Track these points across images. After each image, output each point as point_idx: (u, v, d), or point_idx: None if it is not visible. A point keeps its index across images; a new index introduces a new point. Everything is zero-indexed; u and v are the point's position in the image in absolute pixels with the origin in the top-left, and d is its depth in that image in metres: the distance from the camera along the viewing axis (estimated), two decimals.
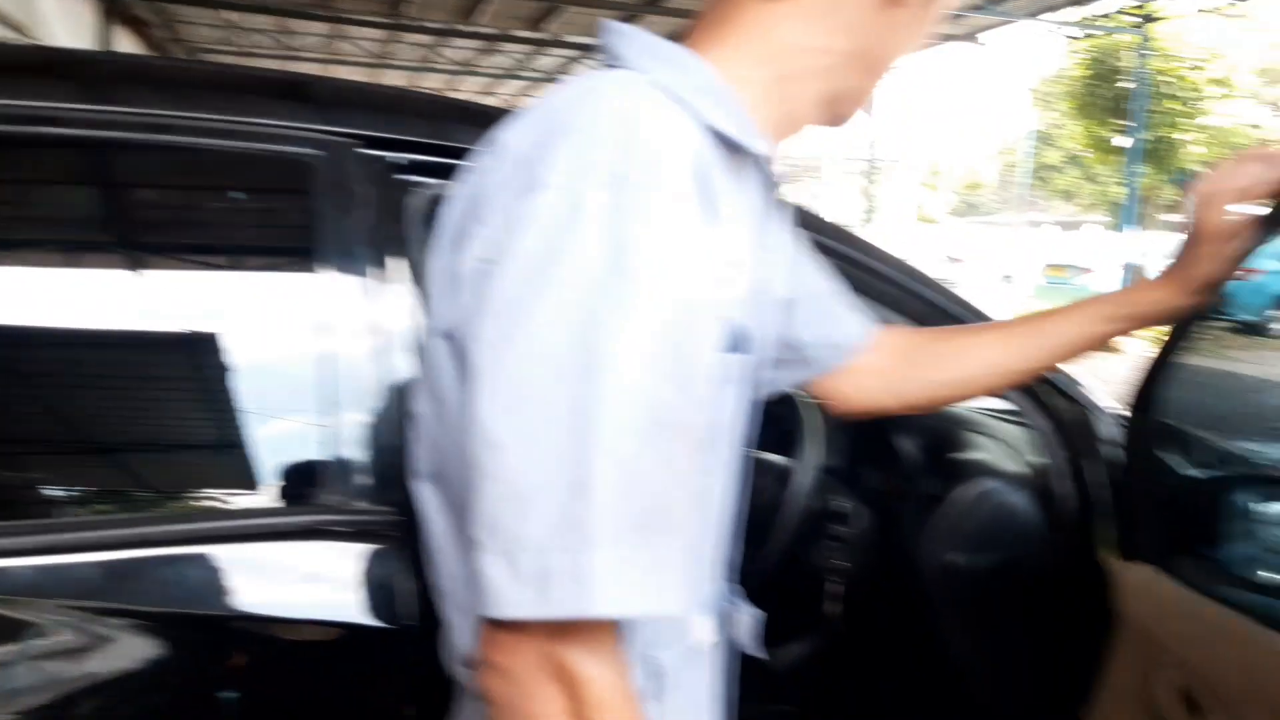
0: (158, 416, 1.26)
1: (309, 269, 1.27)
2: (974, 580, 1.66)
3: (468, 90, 24.96)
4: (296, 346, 1.27)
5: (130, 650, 1.10)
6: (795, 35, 0.78)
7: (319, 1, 14.87)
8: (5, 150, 1.22)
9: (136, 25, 16.48)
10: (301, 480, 1.23)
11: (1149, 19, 13.08)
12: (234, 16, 17.29)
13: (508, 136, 0.72)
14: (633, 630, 0.74)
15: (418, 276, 1.28)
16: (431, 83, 23.69)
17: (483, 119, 1.46)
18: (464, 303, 0.69)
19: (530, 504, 0.61)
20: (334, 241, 1.26)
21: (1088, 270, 15.65)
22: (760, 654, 0.95)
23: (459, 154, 1.34)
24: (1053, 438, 1.59)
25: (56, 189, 1.28)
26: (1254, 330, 12.60)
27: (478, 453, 0.64)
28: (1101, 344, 1.11)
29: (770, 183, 0.85)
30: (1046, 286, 16.62)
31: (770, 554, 1.81)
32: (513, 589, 0.61)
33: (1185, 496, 1.53)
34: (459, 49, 20.07)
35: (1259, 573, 1.48)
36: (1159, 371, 1.36)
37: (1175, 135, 12.22)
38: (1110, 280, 13.56)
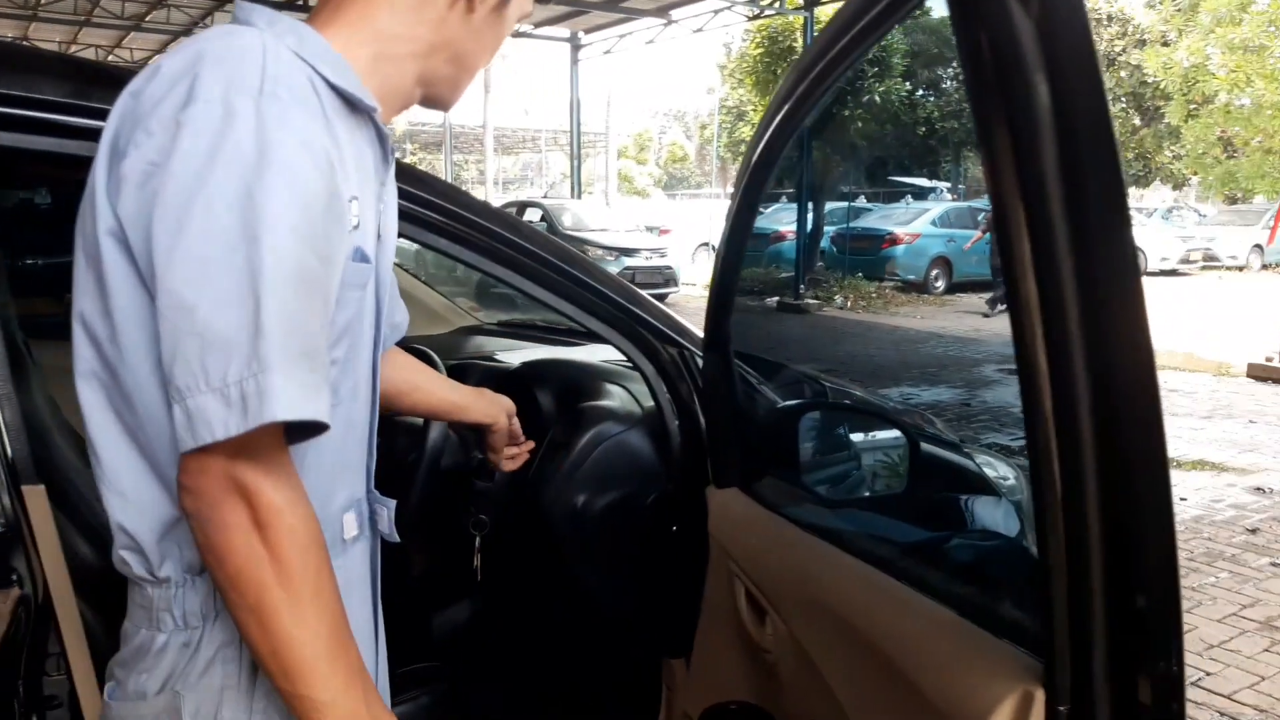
0: None
1: None
2: (598, 519, 1.74)
3: (138, 46, 22.74)
4: None
5: None
6: (389, 23, 0.97)
7: None
8: None
9: None
10: None
11: (815, 2, 14.22)
12: None
13: (163, 66, 0.86)
14: None
15: None
16: (94, 38, 21.35)
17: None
18: (131, 200, 0.83)
19: (226, 349, 0.78)
20: None
21: (781, 237, 16.75)
22: (394, 539, 1.11)
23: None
24: (658, 381, 1.69)
25: None
26: (919, 290, 14.17)
27: (175, 319, 0.78)
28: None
29: (384, 143, 1.01)
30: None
31: (413, 509, 1.81)
32: (222, 414, 0.77)
33: (765, 426, 1.69)
34: (122, 2, 18.19)
35: (827, 491, 1.68)
36: (723, 312, 1.49)
37: (841, 112, 13.43)
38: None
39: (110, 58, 23.29)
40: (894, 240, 14.58)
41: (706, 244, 19.73)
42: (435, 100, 1.06)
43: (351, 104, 0.93)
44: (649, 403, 1.87)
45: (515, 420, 1.51)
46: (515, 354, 2.43)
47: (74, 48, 22.49)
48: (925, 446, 1.73)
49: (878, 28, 1.01)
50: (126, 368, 0.87)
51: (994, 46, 0.73)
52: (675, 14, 17.28)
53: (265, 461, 0.81)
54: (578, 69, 19.20)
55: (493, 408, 1.50)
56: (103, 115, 1.23)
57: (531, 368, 2.13)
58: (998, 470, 2.28)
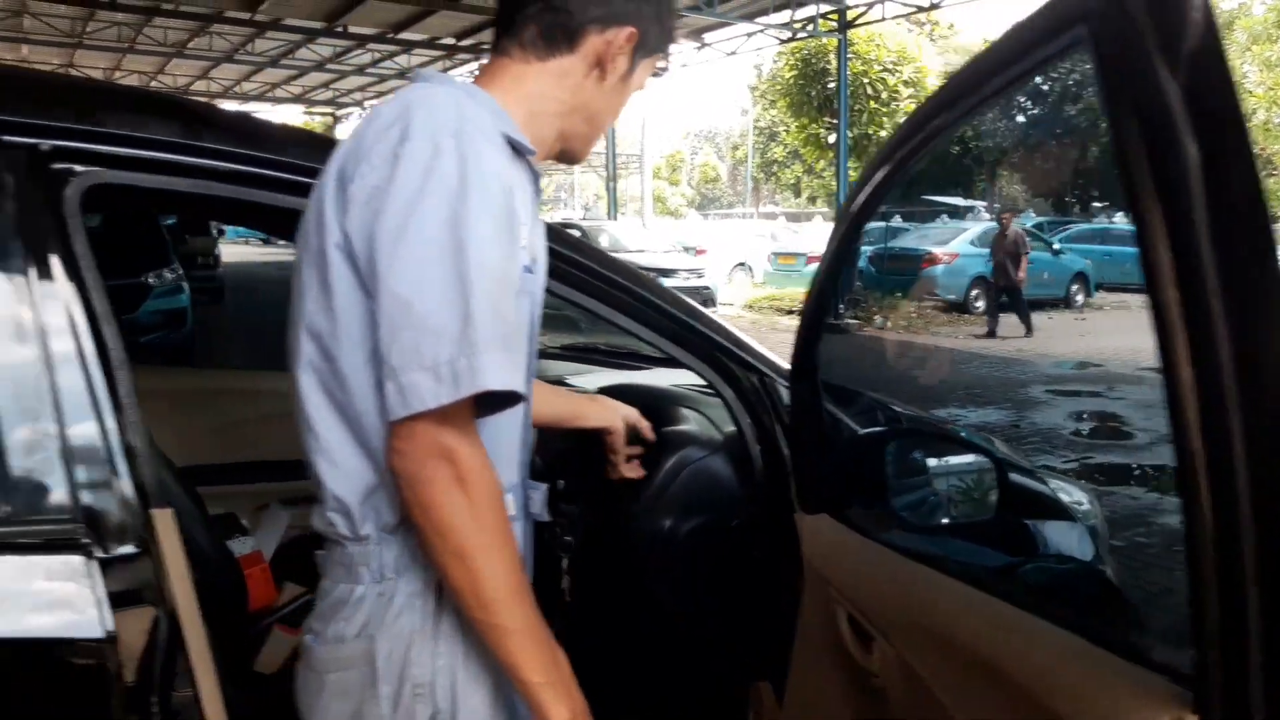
0: None
1: None
2: (683, 543, 1.76)
3: (180, 73, 23.19)
4: None
5: None
6: (537, 87, 1.17)
7: None
8: None
9: None
10: None
11: (848, 25, 14.25)
12: None
13: (380, 112, 1.08)
14: None
15: (73, 268, 1.20)
16: (136, 65, 21.81)
17: (140, 104, 1.39)
18: (356, 218, 1.02)
19: (439, 336, 0.96)
20: None
21: (817, 258, 16.57)
22: (545, 518, 1.28)
23: (118, 141, 1.28)
24: (739, 406, 1.71)
25: None
26: (959, 309, 14.06)
27: (395, 313, 0.97)
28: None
29: (536, 181, 1.19)
30: (775, 273, 17.53)
31: None
32: (434, 388, 0.95)
33: (854, 452, 1.70)
34: (165, 29, 18.57)
35: (917, 516, 1.69)
36: (813, 338, 1.51)
37: (878, 132, 13.41)
38: None
39: (153, 83, 23.79)
40: (933, 260, 14.50)
41: (743, 264, 19.70)
42: (570, 154, 1.26)
43: (514, 148, 1.11)
44: (726, 428, 1.89)
45: (642, 421, 1.63)
46: (584, 379, 2.46)
47: (117, 74, 23.01)
48: (1011, 471, 1.74)
49: (1018, 80, 1.04)
50: (343, 356, 1.05)
51: (1141, 108, 0.76)
52: (708, 37, 17.39)
53: (463, 430, 0.99)
54: None
55: (608, 413, 1.61)
56: (213, 155, 1.33)
57: (609, 393, 2.16)
58: (1072, 495, 2.28)
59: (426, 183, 0.99)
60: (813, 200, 33.37)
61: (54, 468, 1.15)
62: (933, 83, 14.14)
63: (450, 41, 18.18)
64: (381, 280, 0.99)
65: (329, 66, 22.28)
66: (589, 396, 1.63)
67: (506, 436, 1.17)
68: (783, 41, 17.57)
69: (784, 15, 16.49)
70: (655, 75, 1.28)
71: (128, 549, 1.17)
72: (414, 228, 0.98)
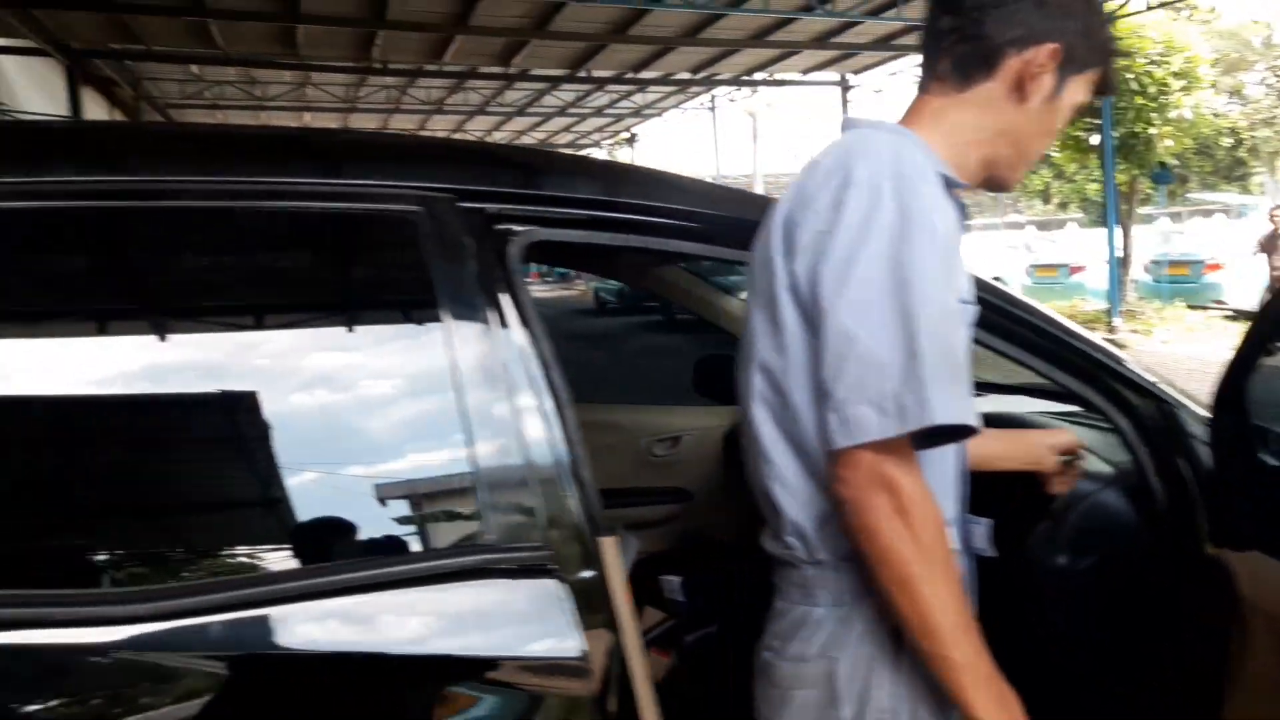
0: (309, 471, 1.26)
1: (426, 319, 1.29)
2: (1079, 580, 1.67)
3: (439, 128, 25.03)
4: (428, 394, 1.28)
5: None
6: (958, 118, 1.18)
7: (285, 50, 14.85)
8: (136, 221, 1.23)
9: (103, 85, 16.44)
10: (450, 524, 1.24)
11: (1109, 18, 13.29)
12: (199, 69, 17.29)
13: (820, 163, 1.13)
14: None
15: (524, 317, 1.30)
16: (402, 123, 23.77)
17: (567, 167, 1.49)
18: (803, 261, 1.08)
19: (884, 370, 0.99)
20: (446, 291, 1.28)
21: (1080, 268, 15.29)
22: (992, 553, 1.27)
23: (549, 201, 1.38)
24: (1136, 437, 1.61)
25: (186, 257, 1.29)
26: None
27: (840, 347, 1.02)
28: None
29: (963, 212, 1.19)
30: (1035, 287, 15.94)
31: None
32: (878, 421, 0.99)
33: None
34: (427, 88, 20.12)
35: None
36: (1244, 371, 1.40)
37: (1146, 130, 12.36)
38: (1100, 276, 13.52)
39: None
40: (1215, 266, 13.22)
41: (998, 278, 18.63)
42: (998, 180, 1.24)
43: (946, 183, 1.14)
44: (1103, 459, 1.79)
45: (1075, 442, 1.59)
46: None
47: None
48: None
49: None
50: (794, 390, 1.11)
51: None
52: None
53: (904, 461, 1.01)
54: (848, 111, 19.08)
55: (1033, 451, 1.57)
56: (630, 209, 1.42)
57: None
58: None
59: (869, 225, 1.04)
60: (1063, 206, 31.32)
61: (525, 500, 1.25)
62: (1205, 72, 12.89)
63: (685, 75, 18.58)
64: (826, 316, 1.03)
65: (570, 110, 23.33)
66: (1004, 436, 1.58)
67: (944, 469, 1.17)
68: None
69: None
70: (1104, 94, 1.26)
71: (586, 574, 1.25)
72: (858, 268, 1.02)
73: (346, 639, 1.18)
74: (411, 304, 1.33)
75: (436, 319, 1.28)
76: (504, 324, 1.29)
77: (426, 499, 1.30)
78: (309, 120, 22.68)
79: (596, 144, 29.58)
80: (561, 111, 23.48)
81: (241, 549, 1.22)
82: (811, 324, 1.08)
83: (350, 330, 1.34)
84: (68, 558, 1.15)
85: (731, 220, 1.44)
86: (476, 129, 25.88)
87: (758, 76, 18.83)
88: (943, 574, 1.01)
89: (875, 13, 13.36)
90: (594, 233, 1.43)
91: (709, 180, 1.81)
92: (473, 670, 1.20)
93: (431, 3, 12.29)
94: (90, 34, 13.41)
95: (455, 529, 1.28)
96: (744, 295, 2.71)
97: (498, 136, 27.50)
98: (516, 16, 13.15)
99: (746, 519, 1.35)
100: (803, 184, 1.14)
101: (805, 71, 18.41)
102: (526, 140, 28.62)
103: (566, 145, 30.52)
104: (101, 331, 1.25)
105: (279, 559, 1.23)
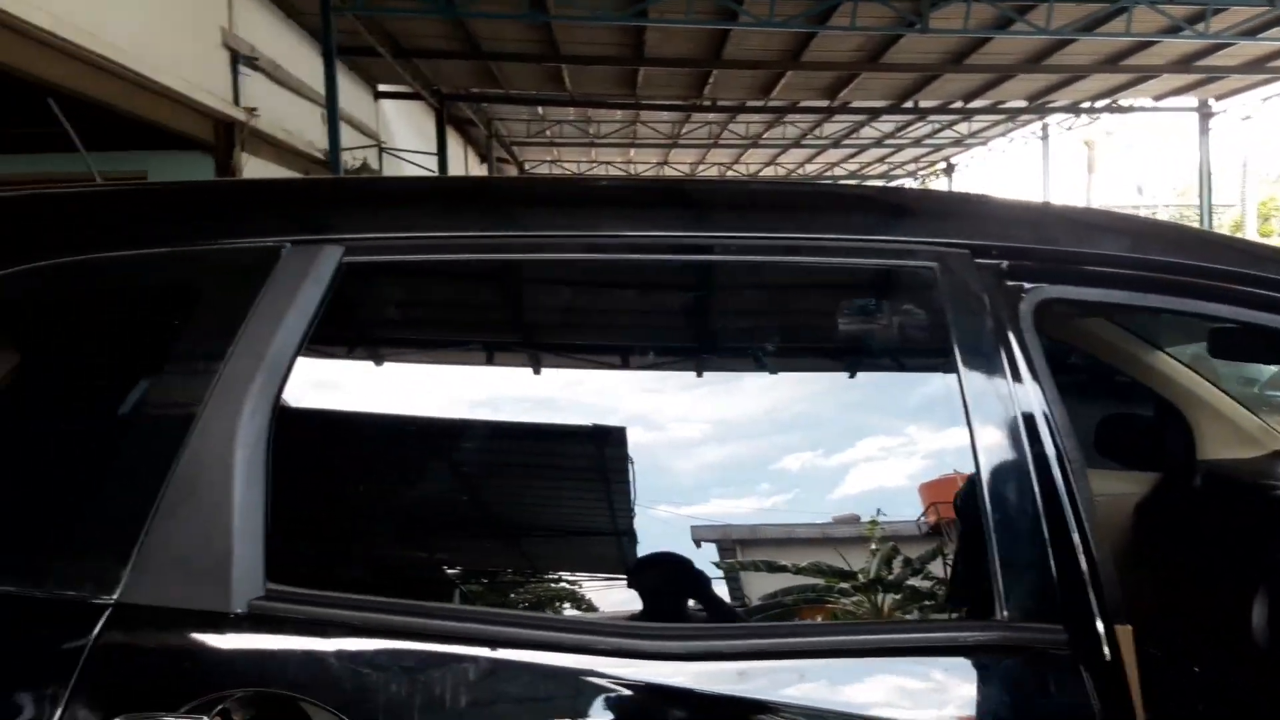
0: (816, 524, 1.31)
1: (940, 374, 1.29)
2: None
3: (754, 161, 25.48)
4: (941, 453, 1.28)
5: None
6: None
7: (623, 91, 15.76)
8: (682, 273, 1.35)
9: (462, 126, 18.28)
10: (965, 591, 1.23)
11: None
12: (544, 110, 18.76)
13: None
14: None
15: (1036, 375, 1.27)
16: (719, 157, 24.43)
17: (1089, 222, 1.45)
18: None
19: None
20: (965, 347, 1.28)
21: None
22: None
23: (1066, 259, 1.35)
24: None
25: (717, 306, 1.39)
26: None
27: None
28: None
29: None
30: None
31: None
32: None
33: None
34: (746, 122, 20.55)
35: None
36: None
37: None
38: None
39: (729, 172, 26.48)
40: None
41: None
42: None
43: None
44: None
45: None
46: None
47: (700, 167, 26.02)
48: None
49: None
50: None
51: None
52: None
53: None
54: (1208, 139, 17.28)
55: None
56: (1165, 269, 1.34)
57: None
58: None
59: None
60: None
61: (1040, 573, 1.20)
62: None
63: (1020, 104, 17.69)
64: None
65: (886, 142, 22.92)
66: None
67: None
68: None
69: None
70: None
71: (1101, 662, 1.18)
72: None
73: (856, 701, 1.19)
74: (926, 359, 1.35)
75: (952, 374, 1.29)
76: (1019, 381, 1.27)
77: (936, 560, 1.30)
78: (632, 155, 23.87)
79: (911, 174, 28.80)
80: (878, 143, 23.10)
81: (765, 598, 1.29)
82: None
83: (863, 384, 1.38)
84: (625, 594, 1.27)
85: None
86: (789, 161, 26.05)
87: (1100, 104, 17.53)
88: None
89: (1252, 33, 12.02)
90: (1109, 291, 1.37)
91: (1254, 239, 1.69)
92: None
93: (769, 40, 12.55)
94: (458, 80, 14.95)
95: (970, 598, 1.27)
96: (1175, 350, 2.50)
97: (810, 169, 27.54)
98: (850, 51, 13.13)
99: (1165, 594, 1.24)
100: None
101: (1158, 98, 16.89)
102: (839, 172, 28.46)
103: (879, 176, 30.01)
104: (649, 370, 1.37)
105: (786, 614, 1.28)
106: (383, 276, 1.34)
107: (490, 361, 1.40)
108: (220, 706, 1.12)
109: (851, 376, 1.41)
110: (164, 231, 1.36)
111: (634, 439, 1.30)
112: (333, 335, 1.32)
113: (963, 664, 1.20)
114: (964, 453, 1.23)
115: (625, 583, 1.28)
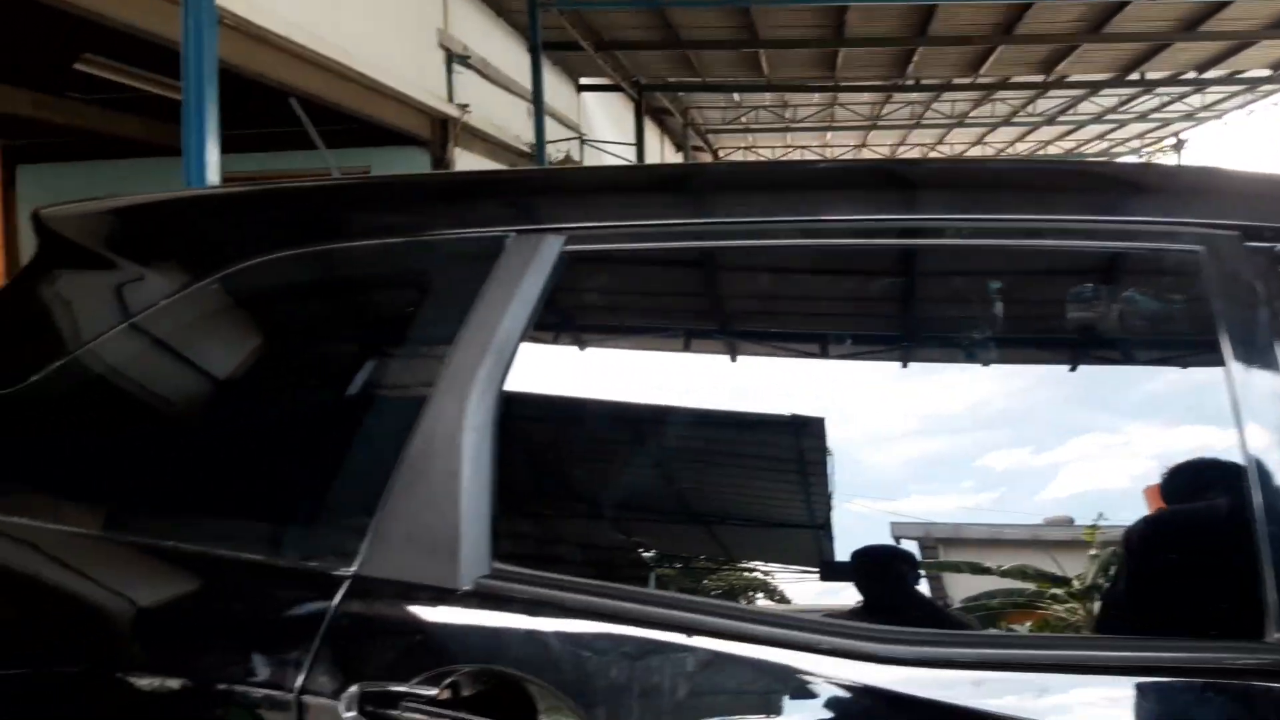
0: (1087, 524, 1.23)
1: (1206, 366, 1.17)
2: None
3: (959, 141, 24.44)
4: (1208, 449, 1.17)
5: None
6: None
7: (823, 73, 15.45)
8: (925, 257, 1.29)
9: (658, 116, 18.46)
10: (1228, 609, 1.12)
11: None
12: (740, 97, 18.67)
13: None
14: None
15: None
16: (921, 138, 23.57)
17: None
18: None
19: None
20: (1235, 340, 1.15)
21: None
22: None
23: None
24: None
25: (958, 292, 1.33)
26: None
27: None
28: None
29: None
30: None
31: None
32: None
33: None
34: (952, 101, 19.70)
35: None
36: None
37: None
38: None
39: (931, 153, 25.51)
40: None
41: None
42: None
43: None
44: None
45: None
46: None
47: (901, 149, 25.19)
48: None
49: None
50: None
51: None
52: None
53: None
54: None
55: None
56: None
57: None
58: None
59: None
60: None
61: None
62: None
63: (1263, 73, 16.07)
64: None
65: (1107, 117, 21.41)
66: None
67: None
68: None
69: None
70: None
71: None
72: None
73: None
74: (1185, 352, 1.23)
75: (1217, 369, 1.16)
76: None
77: (1209, 570, 1.18)
78: (829, 139, 23.40)
79: (1135, 151, 26.78)
80: (1097, 119, 21.61)
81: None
82: None
83: (1119, 374, 1.28)
84: None
85: None
86: (998, 140, 24.80)
87: None
88: None
89: None
90: None
91: None
92: None
93: (978, 14, 11.96)
94: (656, 70, 15.10)
95: (1229, 615, 1.15)
96: None
97: (1021, 148, 26.12)
98: (1069, 21, 12.31)
99: None
100: None
101: None
102: (1053, 150, 26.86)
103: (1098, 154, 28.10)
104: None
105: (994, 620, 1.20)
106: (602, 265, 1.35)
107: (705, 350, 1.38)
108: (449, 680, 1.16)
109: (1097, 370, 1.30)
110: (397, 222, 1.42)
111: (848, 431, 1.26)
112: (554, 322, 1.34)
113: (1229, 687, 1.08)
114: (1235, 455, 1.11)
115: (842, 579, 1.24)
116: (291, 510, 1.31)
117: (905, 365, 1.34)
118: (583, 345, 1.42)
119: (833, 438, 1.25)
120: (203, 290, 1.41)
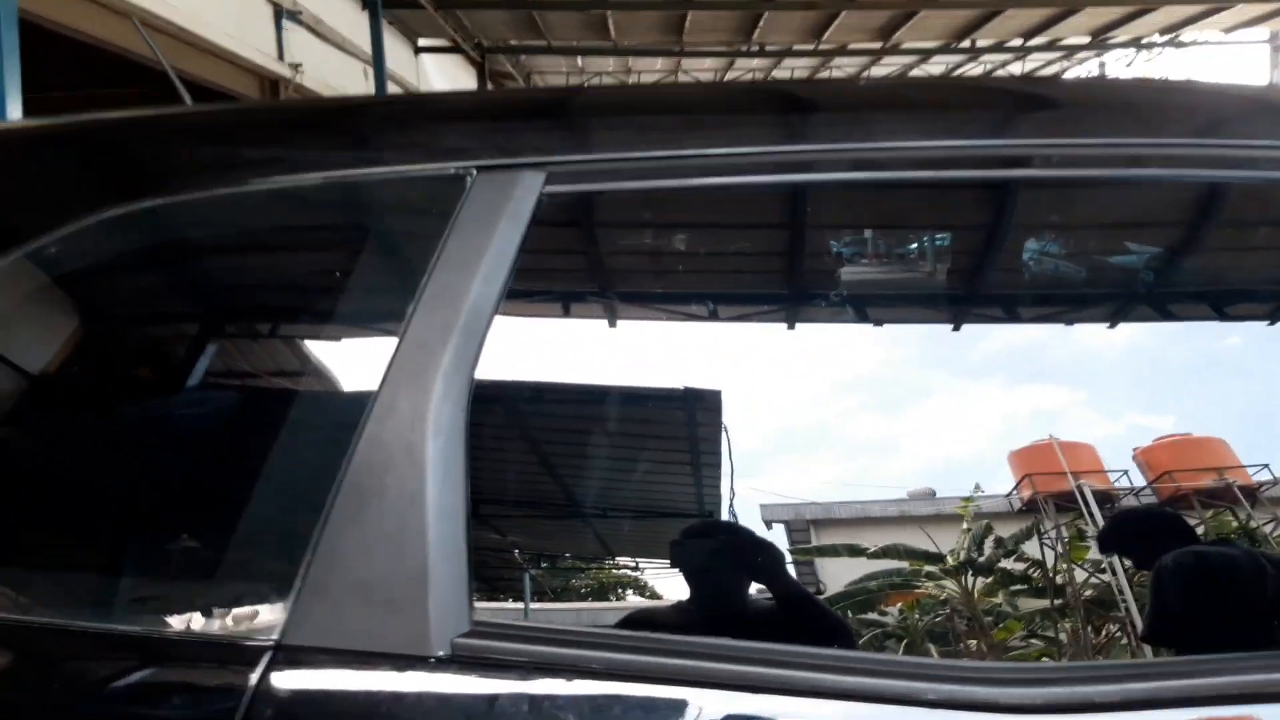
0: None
1: None
2: None
3: None
4: None
5: None
6: None
7: (668, 38, 15.26)
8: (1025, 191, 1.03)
9: (500, 81, 17.85)
10: None
11: None
12: (583, 61, 18.28)
13: None
14: None
15: None
16: None
17: None
18: None
19: None
20: None
21: None
22: None
23: None
24: None
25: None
26: None
27: None
28: None
29: None
30: None
31: None
32: None
33: None
34: (792, 68, 19.94)
35: None
36: None
37: None
38: None
39: None
40: None
41: None
42: None
43: None
44: None
45: None
46: None
47: None
48: None
49: None
50: None
51: None
52: None
53: None
54: (1277, 74, 16.48)
55: None
56: None
57: None
58: None
59: None
60: None
61: None
62: None
63: (1081, 40, 16.97)
64: None
65: None
66: None
67: None
68: None
69: None
70: None
71: None
72: None
73: None
74: None
75: None
76: None
77: None
78: None
79: None
80: None
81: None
82: None
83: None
84: None
85: None
86: None
87: (1163, 39, 16.75)
88: None
89: None
90: None
91: None
92: None
93: None
94: (499, 32, 14.53)
95: None
96: None
97: None
98: None
99: None
100: None
101: (1228, 30, 16.07)
102: None
103: None
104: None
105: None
106: (595, 210, 1.02)
107: (742, 317, 1.07)
108: None
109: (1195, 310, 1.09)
110: (309, 157, 1.03)
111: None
112: (537, 288, 1.01)
113: None
114: None
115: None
116: (187, 563, 0.93)
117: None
118: (575, 315, 1.08)
119: None
120: (11, 266, 1.00)
